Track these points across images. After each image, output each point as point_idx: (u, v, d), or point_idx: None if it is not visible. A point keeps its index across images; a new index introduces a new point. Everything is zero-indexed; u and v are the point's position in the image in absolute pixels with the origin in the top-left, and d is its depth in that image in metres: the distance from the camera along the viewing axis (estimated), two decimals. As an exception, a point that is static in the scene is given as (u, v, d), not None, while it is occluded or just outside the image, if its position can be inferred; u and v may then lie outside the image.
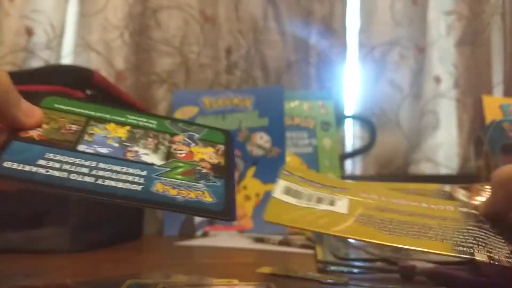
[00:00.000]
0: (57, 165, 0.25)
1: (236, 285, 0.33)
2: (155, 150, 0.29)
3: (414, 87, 0.90)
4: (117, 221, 0.63)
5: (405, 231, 0.27)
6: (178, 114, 0.83)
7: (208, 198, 0.26)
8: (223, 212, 0.26)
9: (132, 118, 0.31)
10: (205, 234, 0.73)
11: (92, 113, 0.30)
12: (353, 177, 0.89)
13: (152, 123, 0.31)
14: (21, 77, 0.56)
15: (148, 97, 0.85)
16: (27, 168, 0.24)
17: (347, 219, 0.29)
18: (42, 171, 0.24)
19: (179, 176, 0.27)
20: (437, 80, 0.91)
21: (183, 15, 0.88)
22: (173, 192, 0.26)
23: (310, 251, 0.52)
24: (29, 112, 0.26)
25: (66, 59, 0.84)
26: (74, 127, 0.28)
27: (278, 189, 0.31)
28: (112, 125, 0.30)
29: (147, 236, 0.76)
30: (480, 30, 0.90)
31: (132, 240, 0.67)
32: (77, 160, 0.26)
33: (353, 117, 0.91)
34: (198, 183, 0.27)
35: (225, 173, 0.29)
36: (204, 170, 0.29)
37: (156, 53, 0.86)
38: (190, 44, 0.88)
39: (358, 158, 0.90)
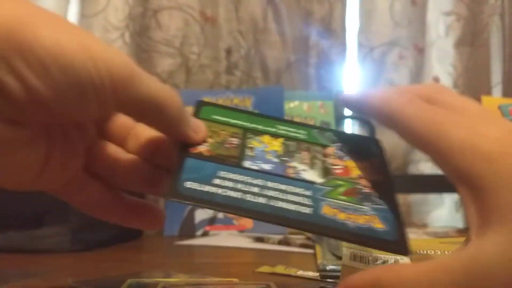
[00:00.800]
0: (231, 184, 0.24)
1: (236, 284, 0.33)
2: (312, 165, 0.26)
3: (413, 88, 0.90)
4: (118, 221, 0.63)
5: None
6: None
7: (378, 225, 0.23)
8: (398, 244, 0.23)
9: (283, 129, 0.29)
10: (205, 234, 0.73)
11: (246, 124, 0.28)
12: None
13: (302, 133, 0.29)
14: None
15: (148, 98, 0.85)
16: (206, 188, 0.23)
17: None
18: (220, 191, 0.23)
19: (342, 197, 0.25)
20: (436, 80, 0.91)
21: (183, 16, 0.88)
22: (341, 216, 0.23)
23: (309, 251, 0.52)
24: (197, 127, 0.25)
25: (67, 59, 0.85)
26: (235, 141, 0.27)
27: (346, 256, 0.33)
28: (267, 137, 0.28)
29: (147, 235, 0.76)
30: (479, 31, 0.90)
31: (133, 240, 0.67)
32: (247, 178, 0.24)
33: (353, 117, 0.91)
34: (363, 205, 0.24)
35: (389, 193, 0.25)
36: (365, 190, 0.25)
37: (157, 54, 0.86)
38: (190, 45, 0.88)
39: (358, 158, 0.90)
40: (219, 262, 0.49)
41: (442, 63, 0.91)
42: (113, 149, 0.25)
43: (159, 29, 0.87)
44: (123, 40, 0.85)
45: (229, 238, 0.67)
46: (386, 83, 0.90)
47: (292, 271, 0.38)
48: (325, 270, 0.38)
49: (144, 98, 0.21)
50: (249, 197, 0.23)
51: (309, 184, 0.25)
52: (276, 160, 0.26)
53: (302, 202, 0.23)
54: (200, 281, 0.34)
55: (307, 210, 0.23)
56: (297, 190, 0.24)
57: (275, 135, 0.28)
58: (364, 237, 0.23)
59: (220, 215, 0.75)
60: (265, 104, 0.83)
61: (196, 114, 0.28)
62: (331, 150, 0.28)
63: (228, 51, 0.89)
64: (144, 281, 0.32)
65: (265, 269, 0.39)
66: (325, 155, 0.27)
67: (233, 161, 0.25)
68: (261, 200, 0.23)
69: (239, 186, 0.24)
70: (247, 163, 0.25)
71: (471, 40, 0.90)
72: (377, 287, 0.19)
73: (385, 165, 0.27)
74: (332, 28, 0.90)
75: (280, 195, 0.24)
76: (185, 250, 0.58)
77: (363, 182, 0.26)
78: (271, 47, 0.90)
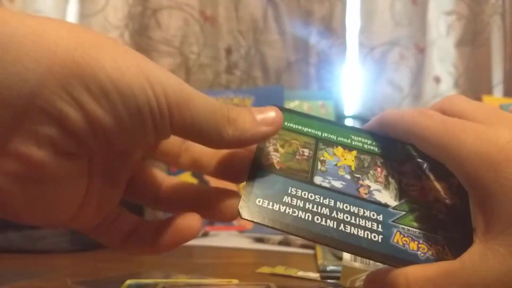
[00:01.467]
0: (301, 203, 0.22)
1: (236, 285, 0.33)
2: (386, 184, 0.24)
3: (414, 87, 0.90)
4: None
5: None
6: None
7: (448, 256, 0.21)
8: None
9: (357, 140, 0.26)
10: (205, 234, 0.73)
11: (319, 133, 0.26)
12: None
13: (378, 146, 0.26)
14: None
15: (148, 97, 0.85)
16: (277, 207, 0.22)
17: None
18: (289, 211, 0.22)
19: (415, 224, 0.23)
20: (437, 80, 0.91)
21: (183, 15, 0.88)
22: (413, 246, 0.22)
23: (310, 251, 0.52)
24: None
25: (66, 59, 0.85)
26: (306, 152, 0.25)
27: (346, 257, 0.32)
28: (340, 149, 0.26)
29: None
30: (480, 30, 0.90)
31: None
32: (317, 197, 0.23)
33: (353, 117, 0.91)
34: (436, 234, 0.22)
35: (465, 221, 0.23)
36: (440, 216, 0.23)
37: (156, 53, 0.86)
38: (190, 44, 0.88)
39: (358, 158, 0.90)
40: (219, 263, 0.48)
41: (443, 62, 0.90)
42: (156, 174, 0.24)
43: (158, 28, 0.87)
44: (122, 39, 0.84)
45: (229, 238, 0.66)
46: (387, 83, 0.90)
47: (292, 272, 0.38)
48: (326, 271, 0.38)
49: (200, 120, 0.19)
50: (317, 220, 0.22)
51: (382, 208, 0.23)
52: (348, 177, 0.24)
53: (373, 228, 0.22)
54: (200, 282, 0.34)
55: (377, 238, 0.22)
56: (369, 213, 0.23)
57: (349, 147, 0.26)
58: None
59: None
60: (265, 104, 0.83)
61: None
62: (408, 167, 0.26)
63: (228, 51, 0.89)
64: (144, 282, 0.32)
65: (265, 269, 0.39)
66: (401, 173, 0.25)
67: (304, 176, 0.24)
68: (330, 224, 0.22)
69: (308, 206, 0.22)
70: (318, 179, 0.24)
71: (472, 40, 0.90)
72: None
73: (463, 188, 0.24)
74: (332, 28, 0.90)
75: (351, 219, 0.22)
76: (185, 251, 0.58)
77: (439, 207, 0.24)
78: (271, 47, 0.89)
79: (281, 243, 0.58)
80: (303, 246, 0.55)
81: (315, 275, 0.37)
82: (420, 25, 0.91)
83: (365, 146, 0.26)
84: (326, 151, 0.26)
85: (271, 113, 0.23)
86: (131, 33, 0.85)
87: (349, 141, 0.26)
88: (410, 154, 0.26)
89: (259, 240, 0.61)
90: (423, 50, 0.90)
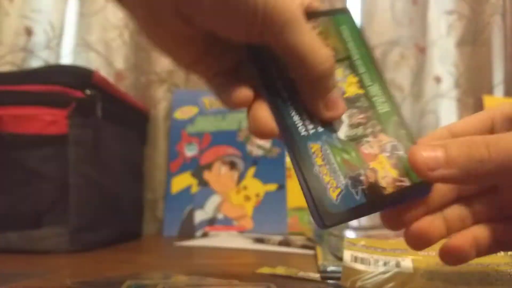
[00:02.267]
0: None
1: (236, 286, 0.33)
2: (352, 126, 0.24)
3: (414, 87, 0.90)
4: (117, 221, 0.63)
5: (467, 281, 0.29)
6: (177, 114, 0.83)
7: (333, 194, 0.22)
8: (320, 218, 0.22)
9: (374, 90, 0.26)
10: (205, 234, 0.73)
11: (355, 55, 0.26)
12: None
13: (382, 108, 0.25)
14: (20, 77, 0.56)
15: (148, 97, 0.85)
16: None
17: (414, 278, 0.31)
18: None
19: (338, 159, 0.23)
20: (438, 80, 0.90)
21: (183, 15, 0.88)
22: (323, 171, 0.23)
23: (310, 252, 0.51)
24: (330, 104, 0.24)
25: (66, 59, 0.84)
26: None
27: (347, 258, 0.33)
28: (352, 78, 0.25)
29: (146, 236, 0.76)
30: (481, 30, 0.90)
31: (132, 240, 0.67)
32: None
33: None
34: (343, 182, 0.23)
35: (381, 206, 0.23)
36: (362, 177, 0.23)
37: (156, 53, 0.86)
38: (190, 44, 0.88)
39: (358, 158, 0.90)
40: (219, 263, 0.48)
41: (444, 62, 0.90)
42: None
43: (159, 28, 0.86)
44: (122, 39, 0.84)
45: (229, 239, 0.66)
46: (387, 82, 0.90)
47: (292, 272, 0.38)
48: (326, 271, 0.38)
49: (290, 46, 0.22)
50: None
51: (328, 128, 0.24)
52: None
53: (304, 126, 0.24)
54: (200, 282, 0.34)
55: (303, 133, 0.24)
56: (318, 122, 0.24)
57: (361, 85, 0.26)
58: (309, 197, 0.22)
59: (220, 215, 0.75)
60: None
61: (326, 14, 0.26)
62: (386, 139, 0.25)
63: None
64: (143, 282, 0.32)
65: (265, 270, 0.39)
66: (374, 135, 0.25)
67: None
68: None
69: None
70: None
71: (472, 40, 0.90)
72: None
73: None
74: (333, 27, 0.89)
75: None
76: (185, 251, 0.58)
77: (371, 176, 0.23)
78: (272, 46, 0.89)
79: (281, 243, 0.58)
80: (303, 247, 0.55)
81: (315, 275, 0.37)
82: (420, 25, 0.90)
83: (373, 99, 0.26)
84: (343, 78, 0.26)
85: (338, 105, 0.25)
86: (131, 32, 0.85)
87: (368, 82, 0.26)
88: (399, 136, 0.25)
89: (259, 240, 0.61)
90: (423, 50, 0.90)
